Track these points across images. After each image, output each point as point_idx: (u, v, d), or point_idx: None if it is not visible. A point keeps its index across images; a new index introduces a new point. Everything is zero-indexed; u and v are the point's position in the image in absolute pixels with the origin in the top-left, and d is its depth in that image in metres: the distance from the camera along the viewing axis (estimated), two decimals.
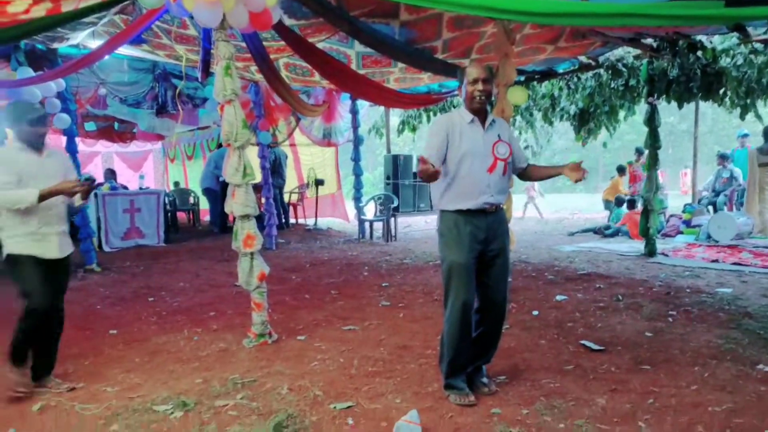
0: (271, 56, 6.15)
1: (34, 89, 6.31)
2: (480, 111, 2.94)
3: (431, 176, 2.74)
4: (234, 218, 4.08)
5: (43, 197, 3.04)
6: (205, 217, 12.65)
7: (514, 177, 3.28)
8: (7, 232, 3.10)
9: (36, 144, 3.22)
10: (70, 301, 5.50)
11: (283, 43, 5.69)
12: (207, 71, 5.56)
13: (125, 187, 11.22)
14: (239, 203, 3.98)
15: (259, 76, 7.65)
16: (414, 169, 11.35)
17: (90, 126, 11.65)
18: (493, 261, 2.97)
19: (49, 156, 3.31)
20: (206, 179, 10.70)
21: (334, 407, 2.89)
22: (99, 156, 15.98)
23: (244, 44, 5.50)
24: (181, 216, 12.69)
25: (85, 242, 7.31)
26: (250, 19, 3.98)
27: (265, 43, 5.69)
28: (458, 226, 2.90)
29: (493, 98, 3.68)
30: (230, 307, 5.17)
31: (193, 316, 4.92)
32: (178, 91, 8.48)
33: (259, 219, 4.12)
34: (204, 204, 12.18)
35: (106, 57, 6.50)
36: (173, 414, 2.84)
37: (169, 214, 10.93)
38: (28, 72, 6.28)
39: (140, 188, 11.33)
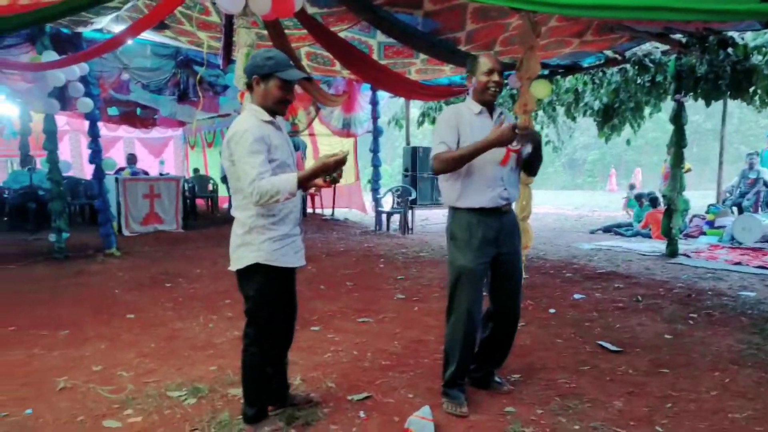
0: (293, 45, 6.12)
1: (58, 73, 6.37)
2: (490, 103, 2.86)
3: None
4: None
5: (301, 184, 2.30)
6: (224, 205, 12.71)
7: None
8: (257, 236, 2.42)
9: (281, 111, 2.51)
10: (89, 284, 5.61)
11: (305, 31, 5.66)
12: (228, 58, 5.55)
13: (146, 173, 11.34)
14: None
15: None
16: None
17: (113, 111, 11.77)
18: (507, 264, 2.87)
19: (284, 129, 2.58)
20: None
21: (351, 398, 2.88)
22: (121, 141, 16.18)
23: (265, 32, 5.48)
24: (200, 203, 12.77)
25: (105, 226, 7.39)
26: (272, 5, 3.96)
27: (287, 32, 5.66)
28: (471, 228, 2.78)
29: (515, 91, 3.65)
30: None
31: (209, 303, 4.95)
32: (198, 77, 8.50)
33: None
34: (223, 191, 12.23)
35: (130, 42, 6.54)
36: (186, 400, 2.85)
37: (188, 201, 11.00)
38: (53, 55, 6.34)
39: (160, 174, 11.43)
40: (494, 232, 2.79)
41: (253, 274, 2.43)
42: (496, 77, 2.78)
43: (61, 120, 11.61)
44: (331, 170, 2.34)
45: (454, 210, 2.87)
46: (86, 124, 7.64)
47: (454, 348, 2.80)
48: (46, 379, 3.16)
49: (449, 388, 2.81)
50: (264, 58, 2.38)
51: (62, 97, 6.96)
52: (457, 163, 2.68)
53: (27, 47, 6.68)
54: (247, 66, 2.45)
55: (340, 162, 2.34)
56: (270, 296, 2.48)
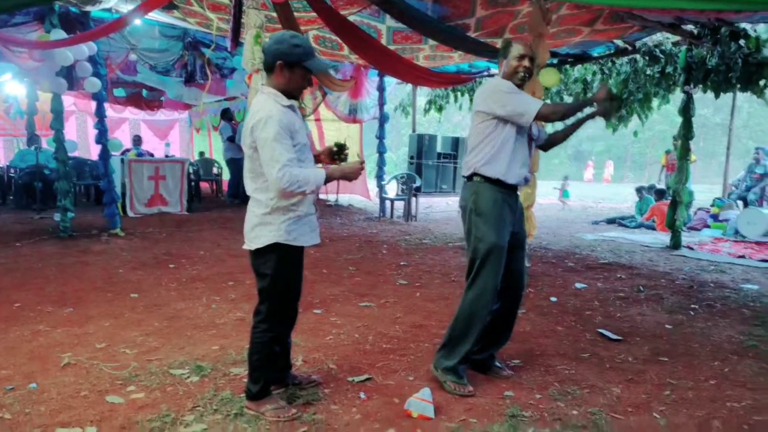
0: (302, 28, 6.09)
1: (67, 52, 6.36)
2: (518, 87, 2.94)
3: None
4: None
5: (327, 181, 2.40)
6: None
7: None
8: (278, 216, 2.42)
9: (298, 95, 2.52)
10: (94, 263, 5.65)
11: (314, 14, 5.63)
12: (237, 41, 5.54)
13: (151, 154, 11.35)
14: None
15: None
16: (438, 150, 11.24)
17: (119, 92, 11.76)
18: (519, 242, 2.99)
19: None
20: (230, 149, 10.74)
21: (352, 380, 2.91)
22: (127, 122, 16.19)
23: (274, 14, 5.45)
24: (204, 186, 12.79)
25: (109, 207, 7.41)
26: None
27: (295, 14, 5.63)
28: (498, 204, 2.84)
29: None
30: (249, 278, 5.18)
31: (212, 284, 4.98)
32: (206, 59, 8.48)
33: None
34: (226, 175, 12.27)
35: (138, 22, 6.53)
36: (189, 378, 2.89)
37: (193, 183, 11.02)
38: (61, 34, 6.33)
39: (166, 156, 11.44)
40: (512, 210, 2.92)
41: (270, 253, 2.45)
42: (526, 63, 2.90)
43: (68, 100, 11.63)
44: (356, 175, 2.54)
45: (478, 185, 2.88)
46: (93, 104, 7.64)
47: (473, 324, 2.82)
48: (50, 354, 3.20)
49: (461, 366, 2.83)
50: (291, 45, 2.33)
51: (70, 76, 6.95)
52: (568, 113, 2.93)
53: (35, 25, 6.66)
54: (271, 50, 2.36)
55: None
56: (286, 275, 2.53)
